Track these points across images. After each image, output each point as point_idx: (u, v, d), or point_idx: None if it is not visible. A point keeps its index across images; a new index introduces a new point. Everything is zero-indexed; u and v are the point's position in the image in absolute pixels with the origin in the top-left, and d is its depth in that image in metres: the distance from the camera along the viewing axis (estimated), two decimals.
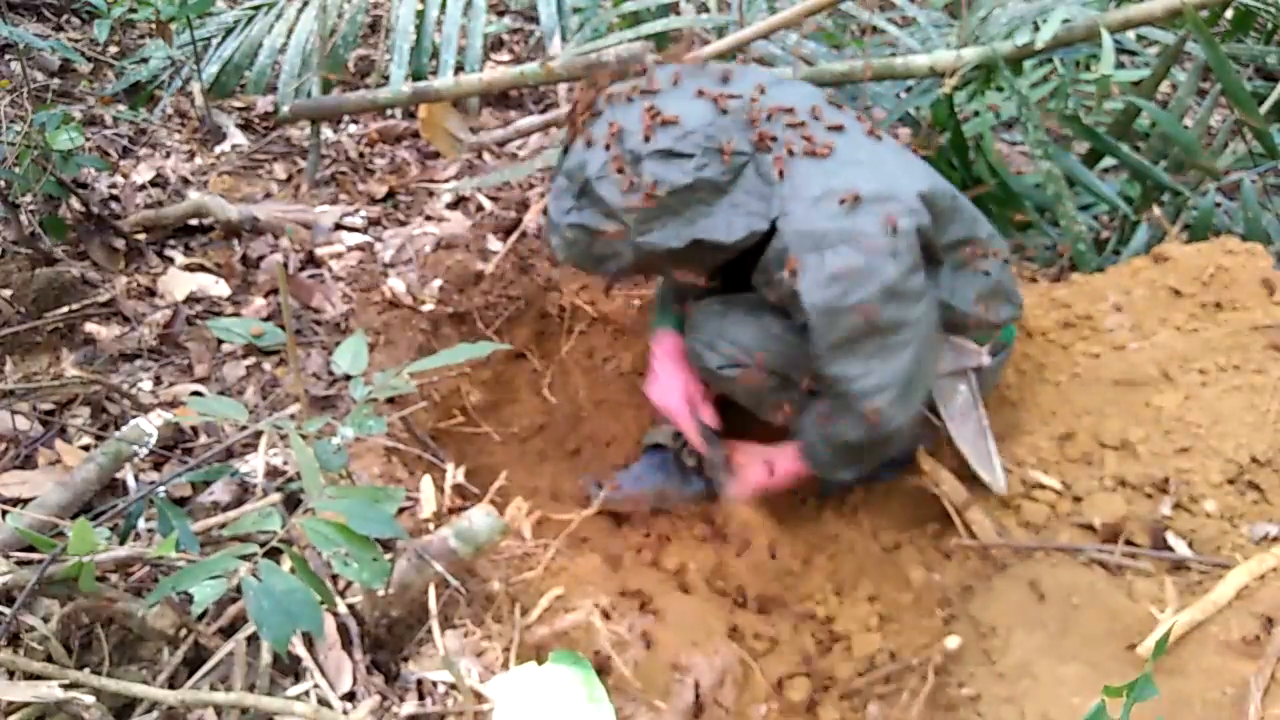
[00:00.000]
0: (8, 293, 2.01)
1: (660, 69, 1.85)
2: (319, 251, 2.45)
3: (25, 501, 1.58)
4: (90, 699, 1.16)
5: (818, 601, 1.89)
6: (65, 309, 2.04)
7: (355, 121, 3.12)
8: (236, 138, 2.93)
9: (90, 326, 2.07)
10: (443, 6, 3.05)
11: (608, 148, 1.69)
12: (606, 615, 1.55)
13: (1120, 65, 2.78)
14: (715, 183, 1.67)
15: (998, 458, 1.83)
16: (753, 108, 1.75)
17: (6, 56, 2.91)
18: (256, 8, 3.22)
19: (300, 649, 1.33)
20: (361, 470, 1.77)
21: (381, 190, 2.79)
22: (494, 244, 2.57)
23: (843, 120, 1.79)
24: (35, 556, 1.37)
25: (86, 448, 1.75)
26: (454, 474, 1.81)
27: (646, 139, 1.66)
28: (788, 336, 1.75)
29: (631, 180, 1.65)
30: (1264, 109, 2.36)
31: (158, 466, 1.73)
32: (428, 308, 2.33)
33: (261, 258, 2.41)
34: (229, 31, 3.19)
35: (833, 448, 1.79)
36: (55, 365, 1.95)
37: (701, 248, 1.69)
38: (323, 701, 1.28)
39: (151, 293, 2.23)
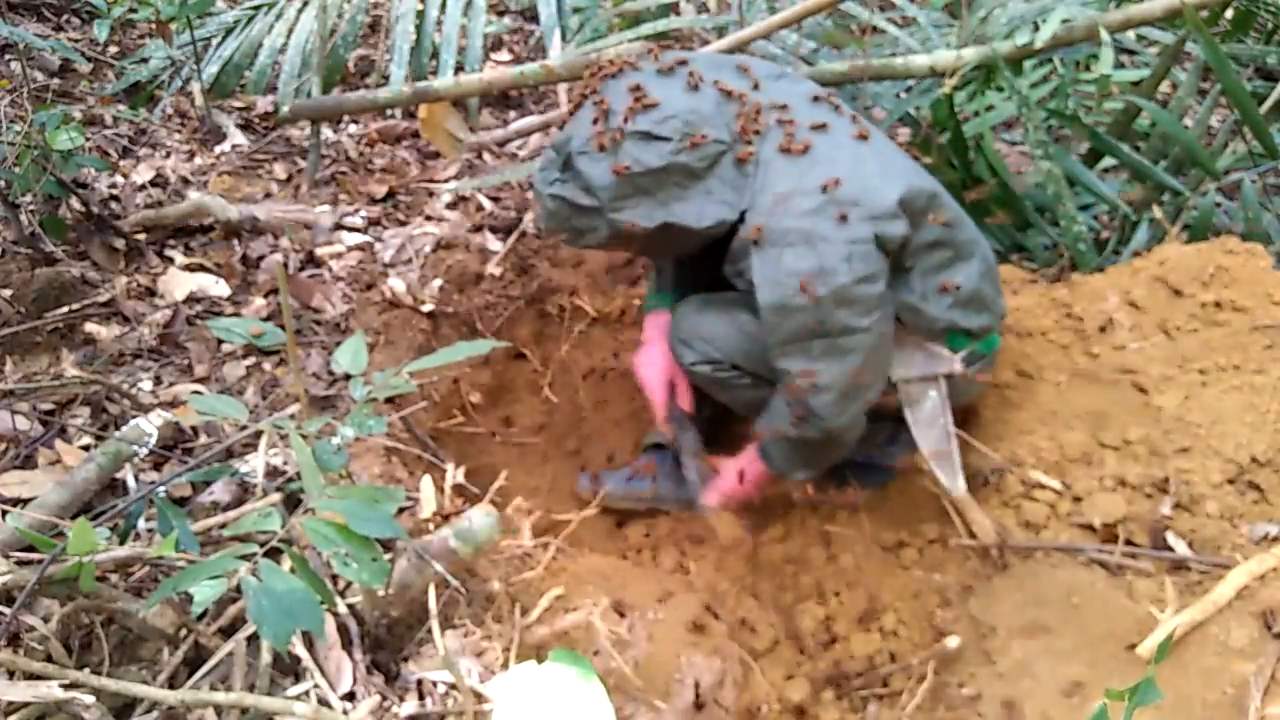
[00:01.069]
0: (8, 293, 2.01)
1: (671, 52, 1.87)
2: (319, 251, 2.45)
3: (25, 501, 1.58)
4: (90, 699, 1.16)
5: (818, 601, 1.89)
6: (65, 309, 2.05)
7: (355, 121, 3.12)
8: (236, 138, 2.93)
9: (90, 326, 2.07)
10: (443, 6, 3.05)
11: (594, 122, 1.73)
12: (606, 615, 1.55)
13: (1120, 65, 2.78)
14: (690, 168, 1.71)
15: (959, 464, 1.80)
16: (745, 101, 1.76)
17: (6, 56, 2.90)
18: (256, 8, 3.22)
19: (300, 649, 1.33)
20: (361, 470, 1.77)
21: (381, 190, 2.79)
22: (494, 244, 2.57)
23: (829, 120, 1.79)
24: (35, 556, 1.37)
25: (86, 448, 1.75)
26: (454, 474, 1.81)
27: (627, 120, 1.70)
28: (760, 334, 1.77)
29: (610, 158, 1.70)
30: (1264, 109, 2.35)
31: (158, 466, 1.73)
32: (428, 308, 2.33)
33: (261, 258, 2.41)
34: (229, 31, 3.19)
35: (785, 445, 1.83)
36: (55, 365, 1.95)
37: (671, 230, 1.72)
38: (323, 701, 1.28)
39: (151, 293, 2.23)
